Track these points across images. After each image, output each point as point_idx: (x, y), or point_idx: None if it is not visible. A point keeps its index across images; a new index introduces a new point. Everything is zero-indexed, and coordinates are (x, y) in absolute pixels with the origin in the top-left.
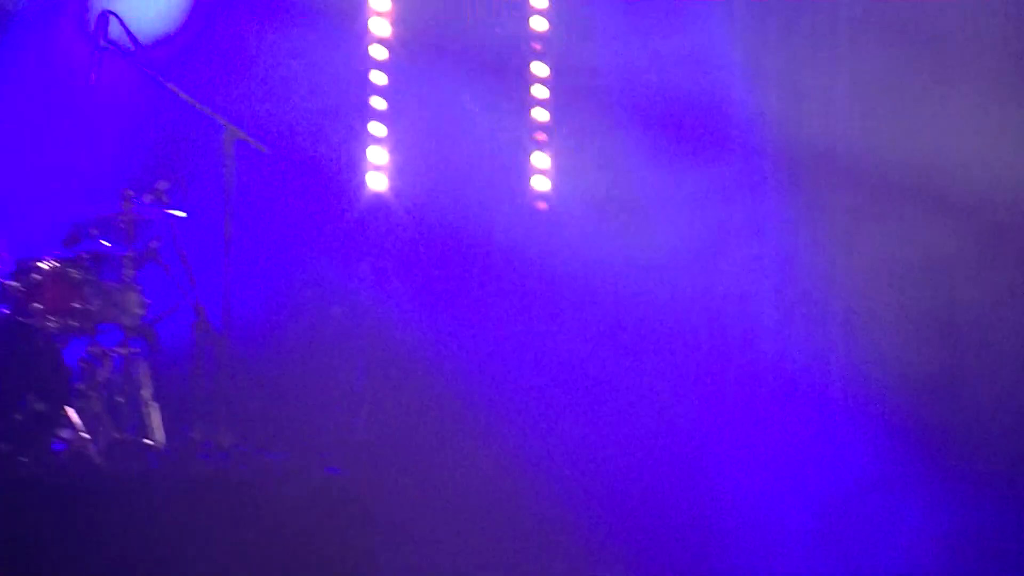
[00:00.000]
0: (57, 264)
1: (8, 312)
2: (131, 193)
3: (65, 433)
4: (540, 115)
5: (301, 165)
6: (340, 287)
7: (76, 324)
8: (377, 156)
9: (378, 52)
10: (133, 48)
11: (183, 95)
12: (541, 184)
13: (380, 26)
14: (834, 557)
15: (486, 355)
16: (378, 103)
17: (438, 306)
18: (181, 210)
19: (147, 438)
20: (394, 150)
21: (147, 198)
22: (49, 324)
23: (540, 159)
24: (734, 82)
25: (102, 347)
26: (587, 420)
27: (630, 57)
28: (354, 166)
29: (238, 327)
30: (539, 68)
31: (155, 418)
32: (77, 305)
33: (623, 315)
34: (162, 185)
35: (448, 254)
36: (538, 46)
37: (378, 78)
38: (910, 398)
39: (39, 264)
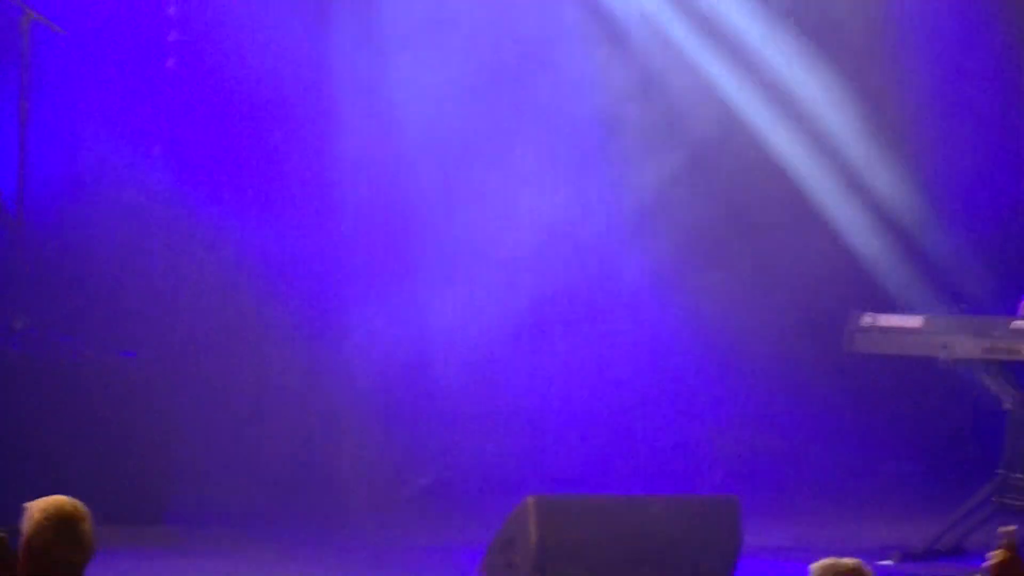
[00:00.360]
0: None
1: None
2: None
3: None
4: None
5: (100, 47)
6: (136, 170)
7: None
8: (174, 37)
9: None
10: None
11: None
12: None
13: None
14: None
15: (281, 236)
16: None
17: (235, 189)
18: None
19: None
20: (186, 30)
21: None
22: None
23: None
24: None
25: None
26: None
27: None
28: (155, 47)
29: (33, 210)
30: None
31: None
32: None
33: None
34: None
35: (245, 134)
36: None
37: None
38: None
39: None
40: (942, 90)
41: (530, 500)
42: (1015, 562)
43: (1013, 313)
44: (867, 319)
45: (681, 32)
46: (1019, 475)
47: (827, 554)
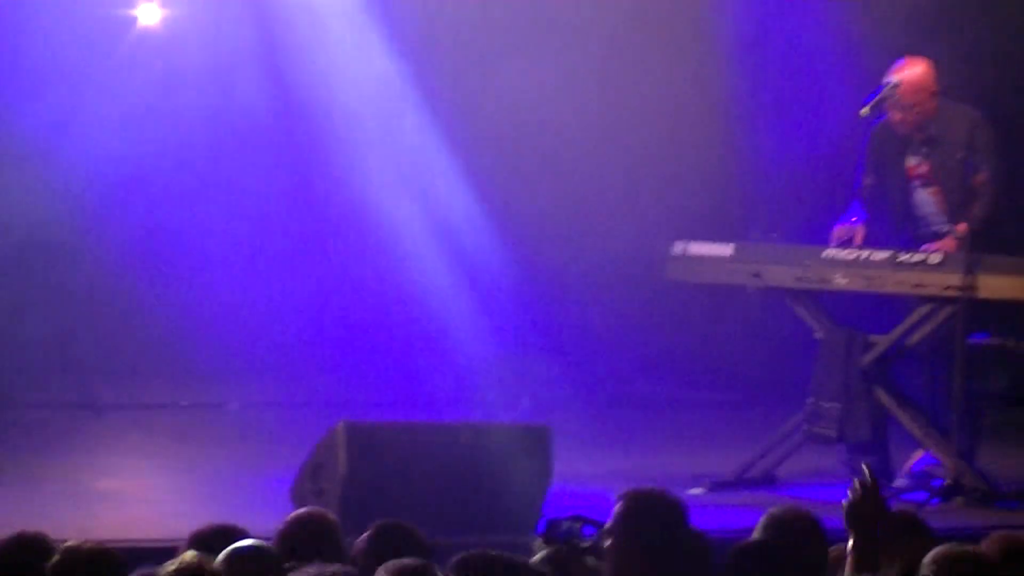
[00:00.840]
0: None
1: None
2: None
3: None
4: None
5: None
6: None
7: None
8: None
9: None
10: None
11: None
12: None
13: None
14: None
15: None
16: None
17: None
18: None
19: None
20: None
21: None
22: None
23: None
24: None
25: None
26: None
27: None
28: None
29: None
30: None
31: None
32: None
33: None
34: None
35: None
36: None
37: None
38: None
39: None
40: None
41: (340, 426)
42: (872, 497)
43: (825, 243)
44: (678, 247)
45: None
46: (829, 403)
47: (635, 483)
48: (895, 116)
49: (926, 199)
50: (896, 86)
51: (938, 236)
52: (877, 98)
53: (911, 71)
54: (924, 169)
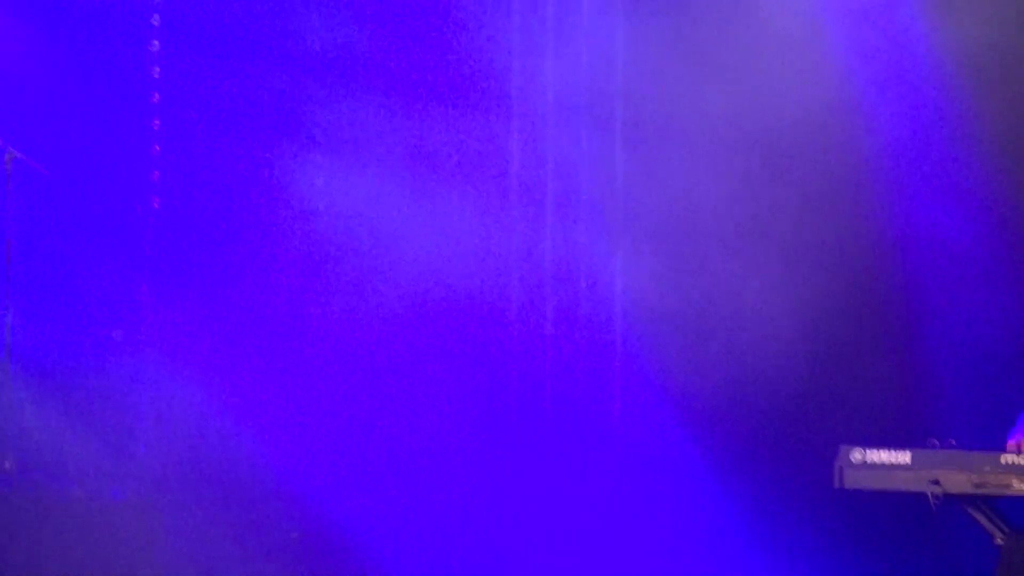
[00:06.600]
0: None
1: None
2: None
3: None
4: None
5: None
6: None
7: None
8: None
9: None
10: None
11: None
12: None
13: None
14: None
15: None
16: None
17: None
18: None
19: None
20: None
21: None
22: None
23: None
24: None
25: None
26: None
27: None
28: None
29: (21, 349)
30: None
31: None
32: None
33: None
34: None
35: None
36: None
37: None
38: None
39: None
40: None
41: None
42: None
43: (1001, 448)
44: (857, 455)
45: None
46: None
47: None
48: None
49: None
50: None
51: None
52: None
53: None
54: None
